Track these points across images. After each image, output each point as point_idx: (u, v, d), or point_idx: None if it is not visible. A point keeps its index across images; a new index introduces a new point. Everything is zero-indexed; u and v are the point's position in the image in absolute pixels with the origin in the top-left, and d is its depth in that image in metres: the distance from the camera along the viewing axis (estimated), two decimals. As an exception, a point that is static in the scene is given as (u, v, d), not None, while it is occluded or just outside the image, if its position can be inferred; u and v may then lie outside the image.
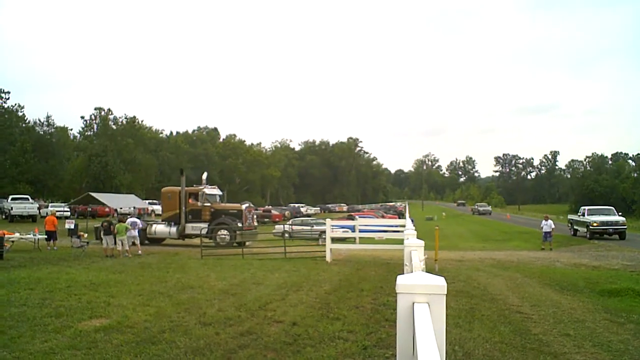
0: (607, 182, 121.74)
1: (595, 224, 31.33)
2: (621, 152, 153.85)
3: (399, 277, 2.31)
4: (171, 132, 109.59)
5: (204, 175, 30.12)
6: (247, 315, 9.28)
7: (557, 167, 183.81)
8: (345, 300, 10.83)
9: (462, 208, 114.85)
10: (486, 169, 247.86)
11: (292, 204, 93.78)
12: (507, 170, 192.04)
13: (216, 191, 29.85)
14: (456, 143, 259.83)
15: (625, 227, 32.10)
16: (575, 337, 8.62)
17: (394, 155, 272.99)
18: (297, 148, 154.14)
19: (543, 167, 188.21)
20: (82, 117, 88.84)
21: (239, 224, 27.25)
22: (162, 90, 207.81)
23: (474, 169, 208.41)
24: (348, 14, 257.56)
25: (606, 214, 32.86)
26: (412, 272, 4.06)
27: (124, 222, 21.95)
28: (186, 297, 11.16)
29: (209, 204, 27.92)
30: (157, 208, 58.96)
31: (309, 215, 67.56)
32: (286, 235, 28.01)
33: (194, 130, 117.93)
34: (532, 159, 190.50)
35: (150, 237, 27.65)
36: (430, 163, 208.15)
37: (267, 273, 14.98)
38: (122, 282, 13.28)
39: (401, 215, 63.02)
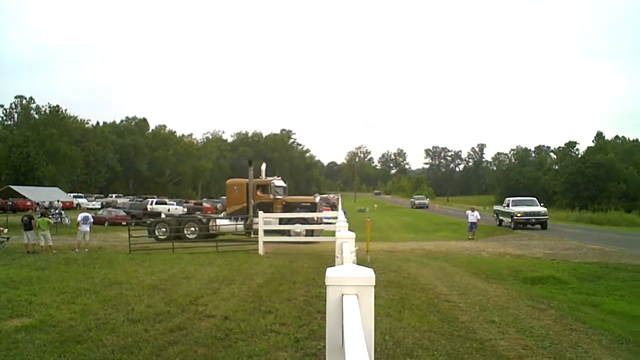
0: (530, 174, 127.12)
1: (519, 215, 32.62)
2: (543, 145, 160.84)
3: (328, 269, 2.30)
4: (97, 123, 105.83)
5: (263, 166, 28.38)
6: (177, 311, 9.08)
7: (484, 160, 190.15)
8: (278, 293, 10.80)
9: (389, 199, 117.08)
10: (417, 161, 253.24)
11: (224, 197, 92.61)
12: (437, 162, 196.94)
13: (283, 183, 28.35)
14: (388, 135, 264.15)
15: (546, 217, 33.61)
16: (500, 324, 8.94)
17: (327, 148, 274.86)
18: (230, 139, 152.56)
19: (471, 160, 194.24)
20: (2, 106, 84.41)
21: (315, 217, 25.71)
22: (88, 79, 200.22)
23: (405, 161, 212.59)
24: (277, 4, 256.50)
25: (529, 205, 34.27)
26: (343, 263, 4.06)
27: (47, 217, 21.00)
28: (113, 293, 10.80)
29: (280, 197, 26.63)
30: (83, 201, 57.11)
31: (241, 208, 66.76)
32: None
33: (121, 121, 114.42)
34: (461, 151, 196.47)
35: (213, 232, 25.45)
36: (362, 155, 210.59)
37: (198, 267, 14.73)
38: (46, 279, 12.69)
39: (334, 207, 63.41)
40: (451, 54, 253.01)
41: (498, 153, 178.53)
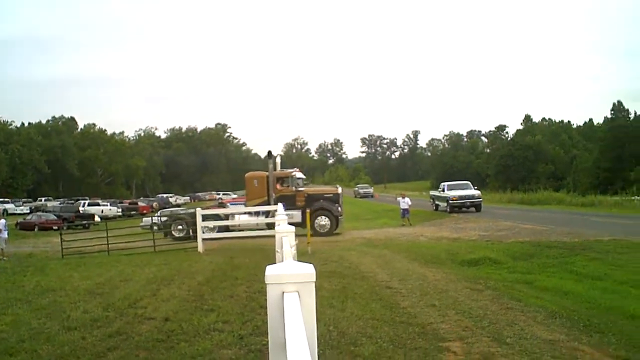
0: (463, 158, 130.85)
1: (454, 199, 33.47)
2: (475, 130, 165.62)
3: (267, 267, 2.26)
4: (22, 123, 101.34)
5: (278, 159, 26.90)
6: (115, 315, 8.80)
7: (418, 146, 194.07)
8: (219, 290, 10.65)
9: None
10: (354, 150, 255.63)
11: (160, 195, 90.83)
12: (373, 150, 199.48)
13: (302, 175, 27.19)
14: (324, 125, 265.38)
15: (480, 200, 34.65)
16: (440, 307, 9.14)
17: (264, 140, 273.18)
18: (163, 136, 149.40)
19: (406, 147, 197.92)
20: None
21: (339, 209, 25.06)
22: (10, 79, 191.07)
23: (342, 151, 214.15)
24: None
25: (464, 189, 35.23)
26: (283, 258, 4.02)
27: None
28: (47, 301, 10.36)
29: (302, 189, 25.49)
30: (10, 206, 54.68)
31: (178, 206, 65.82)
32: (155, 227, 26.71)
33: (48, 121, 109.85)
34: (396, 138, 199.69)
35: (232, 229, 23.84)
36: (299, 146, 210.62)
37: (136, 268, 14.33)
38: (-28, 291, 12.06)
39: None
40: (381, 42, 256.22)
41: (432, 139, 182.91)
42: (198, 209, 20.01)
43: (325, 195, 25.77)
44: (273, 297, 2.17)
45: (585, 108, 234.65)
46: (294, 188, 24.94)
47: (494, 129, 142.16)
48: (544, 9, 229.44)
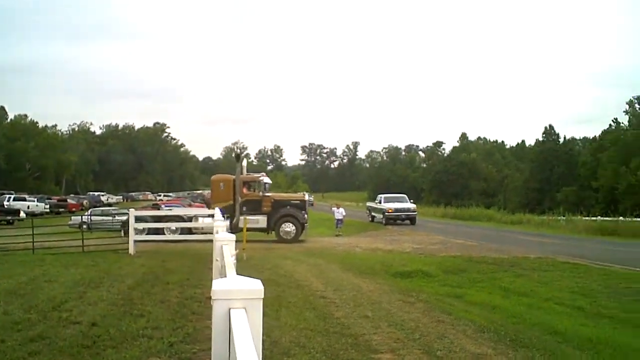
0: (401, 171, 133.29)
1: (390, 211, 33.99)
2: (413, 145, 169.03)
3: (214, 282, 2.19)
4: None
5: (244, 162, 26.05)
6: (38, 318, 8.38)
7: (357, 157, 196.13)
8: (150, 295, 10.35)
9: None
10: (293, 157, 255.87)
11: (91, 192, 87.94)
12: (313, 159, 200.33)
13: (269, 180, 26.58)
14: (265, 131, 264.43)
15: (415, 213, 35.36)
16: (373, 318, 9.20)
17: (203, 143, 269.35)
18: (98, 132, 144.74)
19: (345, 157, 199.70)
20: None
21: (305, 216, 24.77)
22: None
23: (281, 158, 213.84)
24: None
25: (400, 202, 35.87)
26: (222, 267, 3.93)
27: None
28: (-38, 301, 9.78)
29: (269, 194, 25.10)
30: None
31: (110, 205, 63.95)
32: (84, 226, 25.75)
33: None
34: (336, 148, 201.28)
35: (196, 232, 23.58)
36: (239, 151, 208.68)
37: (62, 269, 13.73)
38: None
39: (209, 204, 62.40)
40: (324, 54, 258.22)
41: (371, 151, 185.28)
42: (131, 210, 19.48)
43: (292, 201, 25.64)
44: (219, 313, 2.11)
45: (518, 130, 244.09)
46: (260, 193, 24.74)
47: (431, 145, 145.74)
48: (481, 33, 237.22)
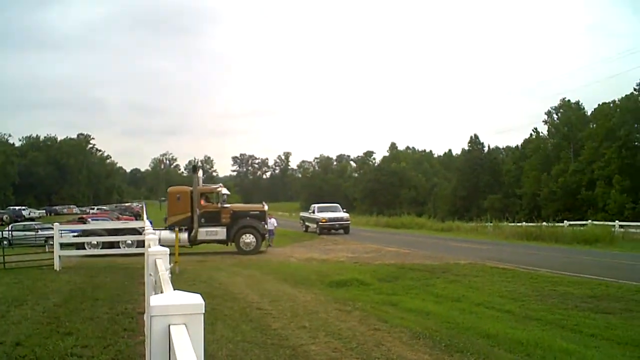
0: (333, 181, 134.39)
1: (323, 220, 34.13)
2: (344, 154, 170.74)
3: (151, 298, 2.08)
4: None
5: (200, 173, 24.96)
6: (-45, 340, 7.87)
7: (289, 167, 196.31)
8: (78, 312, 9.91)
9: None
10: (224, 168, 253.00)
11: (11, 207, 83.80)
12: (244, 170, 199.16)
13: (227, 191, 25.54)
14: (195, 142, 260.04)
15: (349, 222, 35.67)
16: (310, 329, 9.15)
17: (130, 154, 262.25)
18: (18, 144, 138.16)
19: (277, 167, 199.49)
20: None
21: (267, 227, 24.34)
22: None
23: (212, 169, 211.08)
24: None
25: (333, 211, 36.08)
26: (156, 281, 3.78)
27: None
28: None
29: (228, 206, 24.29)
30: None
31: (32, 219, 61.16)
32: (5, 242, 24.44)
33: None
34: (267, 159, 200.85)
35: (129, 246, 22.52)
36: (168, 162, 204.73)
37: (-19, 287, 13.00)
38: None
39: (138, 216, 60.90)
40: (255, 63, 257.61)
41: (303, 161, 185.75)
42: (56, 224, 18.68)
43: (252, 212, 25.10)
44: (158, 330, 1.99)
45: (445, 139, 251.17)
46: (219, 204, 24.24)
47: (362, 155, 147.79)
48: (409, 46, 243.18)
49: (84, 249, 21.21)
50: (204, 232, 23.57)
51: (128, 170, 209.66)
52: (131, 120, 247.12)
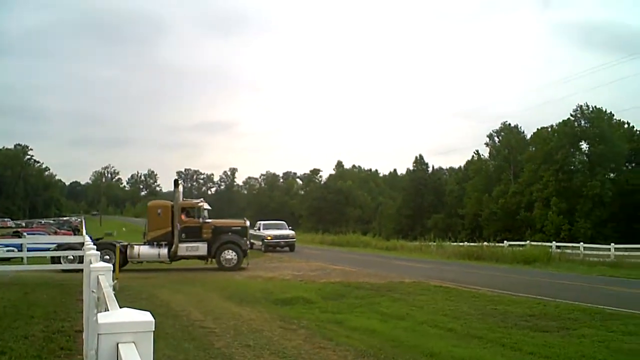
0: (279, 198, 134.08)
1: (269, 238, 33.95)
2: (291, 172, 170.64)
3: (99, 315, 2.01)
4: None
5: (180, 187, 24.01)
6: None
7: (235, 183, 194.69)
8: (12, 330, 9.46)
9: (140, 222, 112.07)
10: (169, 183, 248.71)
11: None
12: (189, 185, 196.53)
13: (208, 206, 24.93)
14: (139, 156, 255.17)
15: (294, 239, 35.59)
16: (254, 347, 9.05)
17: (70, 167, 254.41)
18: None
19: (223, 183, 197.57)
20: None
21: (248, 243, 24.08)
22: None
23: (155, 183, 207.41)
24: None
25: (279, 228, 35.97)
26: (98, 298, 3.66)
27: None
28: None
29: (209, 221, 23.95)
30: None
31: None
32: None
33: None
34: (213, 174, 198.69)
35: (132, 260, 22.97)
36: (110, 175, 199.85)
37: None
38: None
39: (77, 231, 59.11)
40: (204, 78, 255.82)
41: (249, 177, 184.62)
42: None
43: (233, 227, 24.83)
44: (106, 349, 1.92)
45: (390, 159, 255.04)
46: (200, 219, 23.83)
47: (309, 172, 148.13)
48: (356, 66, 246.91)
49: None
50: (184, 248, 23.26)
51: (67, 183, 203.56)
52: (72, 130, 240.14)
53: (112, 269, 4.39)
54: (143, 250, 23.22)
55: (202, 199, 26.67)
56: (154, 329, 1.98)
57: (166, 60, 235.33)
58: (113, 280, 4.12)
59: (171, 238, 23.14)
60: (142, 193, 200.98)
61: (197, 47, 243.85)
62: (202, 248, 23.22)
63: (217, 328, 10.55)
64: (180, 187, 24.76)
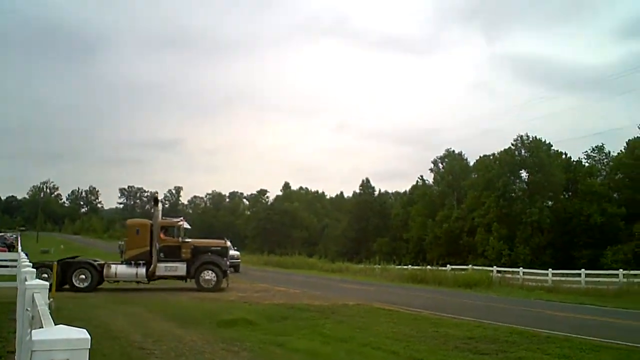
0: (224, 218, 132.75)
1: (213, 258, 33.46)
2: (237, 191, 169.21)
3: (33, 332, 1.94)
4: None
5: (160, 205, 23.77)
6: None
7: (180, 202, 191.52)
8: None
9: (80, 239, 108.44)
10: (111, 200, 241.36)
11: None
12: (132, 202, 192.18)
13: (188, 225, 24.34)
14: (80, 171, 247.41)
15: (239, 260, 35.29)
16: (195, 370, 8.89)
17: (7, 180, 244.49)
18: None
19: (167, 202, 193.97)
20: None
21: (227, 263, 23.91)
22: None
23: (97, 200, 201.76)
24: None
25: (223, 249, 35.50)
26: (33, 317, 3.54)
27: None
28: None
29: (188, 240, 23.65)
30: None
31: None
32: None
33: None
34: (157, 192, 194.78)
35: (108, 280, 22.70)
36: (49, 190, 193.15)
37: None
38: None
39: (12, 247, 56.77)
40: (147, 94, 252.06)
41: (194, 196, 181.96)
42: None
43: (213, 248, 24.42)
44: (40, 366, 1.86)
45: (337, 181, 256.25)
46: (179, 239, 23.41)
47: (255, 193, 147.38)
48: (302, 88, 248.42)
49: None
50: (162, 268, 22.97)
51: (3, 198, 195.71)
52: (10, 144, 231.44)
53: (48, 287, 4.25)
54: (120, 269, 22.82)
55: (181, 217, 26.37)
56: (89, 347, 1.94)
57: (110, 75, 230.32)
58: (49, 299, 3.98)
59: (149, 257, 22.82)
60: (83, 210, 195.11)
61: (142, 63, 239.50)
62: (181, 268, 22.94)
63: (157, 350, 10.30)
64: (160, 205, 24.53)
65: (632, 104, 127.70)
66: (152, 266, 22.70)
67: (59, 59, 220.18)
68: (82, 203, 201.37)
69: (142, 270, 22.64)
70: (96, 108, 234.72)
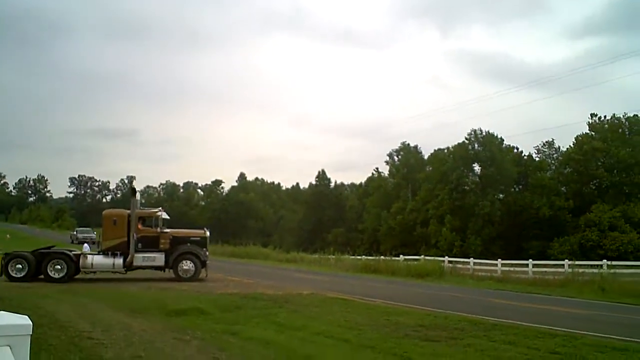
0: (179, 208, 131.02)
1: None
2: (191, 182, 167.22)
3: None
4: None
5: (138, 195, 23.06)
6: None
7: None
8: None
9: (26, 229, 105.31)
10: (60, 189, 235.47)
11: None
12: (83, 192, 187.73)
13: (166, 215, 24.51)
14: (28, 160, 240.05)
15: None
16: (145, 358, 8.80)
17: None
18: None
19: (119, 191, 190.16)
20: None
21: (207, 253, 23.65)
22: None
23: (46, 189, 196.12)
24: None
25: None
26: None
27: None
28: None
29: (167, 230, 23.61)
30: None
31: None
32: None
33: None
34: (109, 182, 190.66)
35: (85, 270, 22.31)
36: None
37: None
38: None
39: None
40: (100, 81, 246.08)
41: (147, 186, 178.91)
42: None
43: (192, 238, 24.22)
44: (-22, 352, 1.81)
45: (293, 172, 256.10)
46: (158, 229, 23.14)
47: (210, 183, 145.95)
48: (265, 82, 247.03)
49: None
50: (140, 258, 22.68)
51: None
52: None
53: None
54: (97, 260, 22.57)
55: (160, 207, 25.93)
56: (31, 333, 1.90)
57: (63, 62, 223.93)
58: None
59: (127, 248, 22.55)
60: (31, 199, 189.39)
61: (97, 51, 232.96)
62: (159, 258, 22.75)
63: (106, 339, 10.13)
64: (138, 195, 24.21)
65: (581, 100, 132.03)
66: (129, 257, 22.52)
67: (8, 43, 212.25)
68: (30, 192, 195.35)
69: (120, 261, 22.42)
70: (47, 95, 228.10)
